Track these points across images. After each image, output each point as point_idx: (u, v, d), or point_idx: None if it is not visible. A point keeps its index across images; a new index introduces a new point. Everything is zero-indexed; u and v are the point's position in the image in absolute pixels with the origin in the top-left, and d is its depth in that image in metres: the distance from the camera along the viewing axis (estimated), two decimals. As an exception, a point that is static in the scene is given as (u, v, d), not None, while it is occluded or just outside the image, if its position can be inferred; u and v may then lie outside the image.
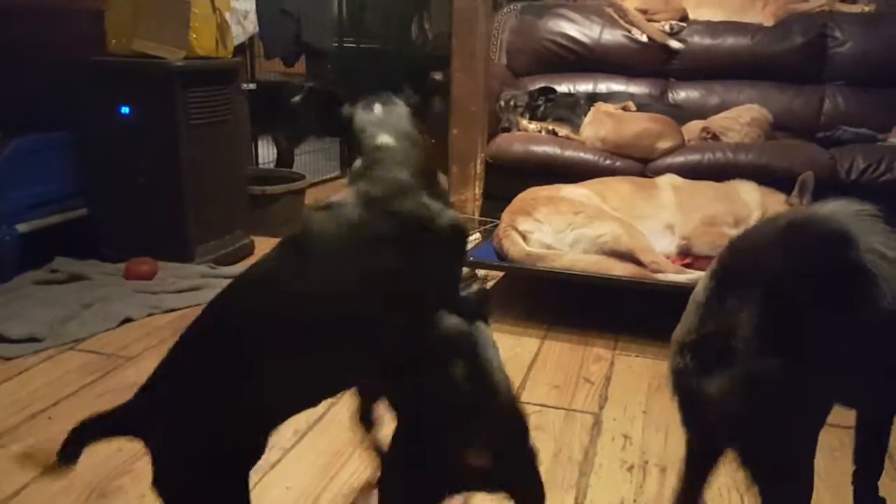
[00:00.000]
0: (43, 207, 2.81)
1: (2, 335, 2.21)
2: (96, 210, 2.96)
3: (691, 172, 2.74)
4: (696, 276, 2.31)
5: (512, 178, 2.90)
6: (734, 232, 2.48)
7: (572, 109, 3.31)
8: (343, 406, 1.94)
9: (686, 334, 1.16)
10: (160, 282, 2.71)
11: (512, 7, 3.95)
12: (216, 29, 3.00)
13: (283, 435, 1.78)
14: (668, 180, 2.68)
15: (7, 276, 2.65)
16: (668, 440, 1.83)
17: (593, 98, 3.38)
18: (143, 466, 1.63)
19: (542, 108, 3.37)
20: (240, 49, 3.53)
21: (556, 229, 2.49)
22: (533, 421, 1.87)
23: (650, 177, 2.79)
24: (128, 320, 2.42)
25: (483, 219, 3.06)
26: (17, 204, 2.71)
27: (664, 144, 2.95)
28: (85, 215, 2.95)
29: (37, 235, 2.77)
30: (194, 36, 2.86)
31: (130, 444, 1.67)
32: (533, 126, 3.25)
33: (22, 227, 2.71)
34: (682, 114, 3.30)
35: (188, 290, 2.65)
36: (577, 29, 3.74)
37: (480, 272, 2.89)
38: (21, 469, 1.60)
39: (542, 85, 3.49)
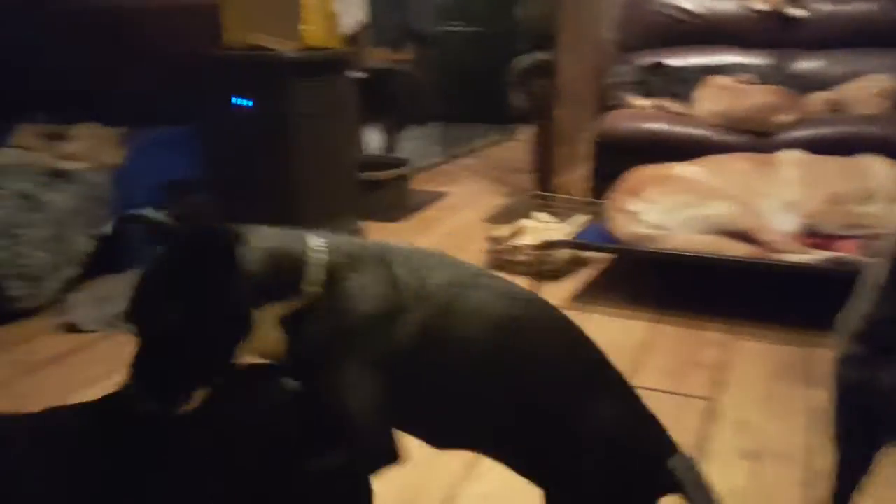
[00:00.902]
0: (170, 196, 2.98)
1: (133, 316, 2.36)
2: (216, 198, 3.11)
3: (814, 147, 2.59)
4: (822, 257, 2.19)
5: (621, 157, 2.83)
6: (863, 210, 2.34)
7: (685, 84, 3.19)
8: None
9: (859, 321, 1.09)
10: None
11: (622, -19, 3.83)
12: (326, 19, 3.08)
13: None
14: (788, 156, 2.54)
15: (136, 260, 2.83)
16: (789, 428, 1.74)
17: (707, 71, 3.24)
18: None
19: (653, 84, 3.27)
20: (349, 38, 3.60)
21: (667, 209, 2.42)
22: (648, 404, 1.85)
23: (769, 152, 2.65)
24: (247, 302, 2.54)
25: (590, 200, 3.01)
26: (147, 193, 2.88)
27: (784, 118, 2.80)
28: (207, 203, 3.10)
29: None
30: (305, 27, 2.94)
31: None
32: (643, 102, 3.16)
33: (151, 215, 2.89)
34: (803, 85, 3.11)
35: (303, 273, 2.75)
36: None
37: (588, 254, 2.85)
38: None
39: (653, 60, 3.39)
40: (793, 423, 1.78)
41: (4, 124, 3.12)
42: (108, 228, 2.73)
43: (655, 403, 1.85)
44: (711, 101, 2.96)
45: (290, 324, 0.93)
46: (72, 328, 2.34)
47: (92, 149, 3.02)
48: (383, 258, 0.98)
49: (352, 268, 0.96)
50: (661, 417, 1.80)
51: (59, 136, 3.08)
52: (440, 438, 1.05)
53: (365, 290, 0.94)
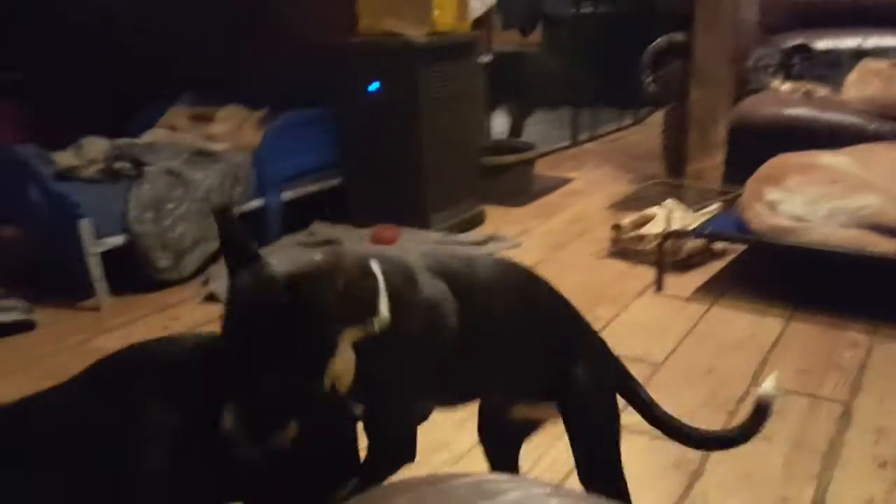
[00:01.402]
0: (303, 177, 3.11)
1: (268, 289, 2.49)
2: (348, 180, 3.22)
3: (981, 136, 2.36)
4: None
5: (759, 144, 2.69)
6: None
7: (833, 68, 2.99)
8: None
9: None
10: (401, 247, 2.89)
11: (766, -42, 3.62)
12: (457, 4, 3.10)
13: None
14: (950, 146, 2.33)
15: (272, 238, 2.98)
16: (934, 440, 1.61)
17: (859, 55, 3.02)
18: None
19: (797, 67, 3.10)
20: (478, 22, 3.61)
21: (809, 200, 2.27)
22: (775, 406, 1.76)
23: (928, 142, 2.44)
24: (372, 281, 2.62)
25: (723, 188, 2.88)
26: (282, 174, 3.03)
27: (947, 105, 2.56)
28: (339, 184, 3.22)
29: (298, 202, 3.08)
30: (437, 12, 2.97)
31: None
32: (787, 86, 2.99)
33: (285, 195, 3.03)
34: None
35: (425, 254, 2.80)
36: (844, -23, 3.34)
37: (718, 245, 2.73)
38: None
39: (799, 42, 3.19)
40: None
41: (157, 106, 3.36)
42: (247, 205, 2.89)
43: (786, 404, 1.77)
44: (863, 85, 2.75)
45: (360, 348, 0.93)
46: (212, 297, 2.50)
47: (234, 130, 3.19)
48: (436, 268, 1.01)
49: (410, 289, 0.97)
50: (791, 419, 1.72)
51: (205, 118, 3.28)
52: (460, 399, 1.12)
53: (423, 316, 0.97)
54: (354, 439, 1.01)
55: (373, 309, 0.92)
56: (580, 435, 1.15)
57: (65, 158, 2.74)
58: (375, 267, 0.95)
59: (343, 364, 0.91)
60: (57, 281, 2.58)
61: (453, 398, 1.11)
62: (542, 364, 1.12)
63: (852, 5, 3.32)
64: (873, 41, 3.23)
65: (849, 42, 3.27)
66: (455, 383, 1.06)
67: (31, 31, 3.38)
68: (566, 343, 1.15)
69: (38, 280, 2.64)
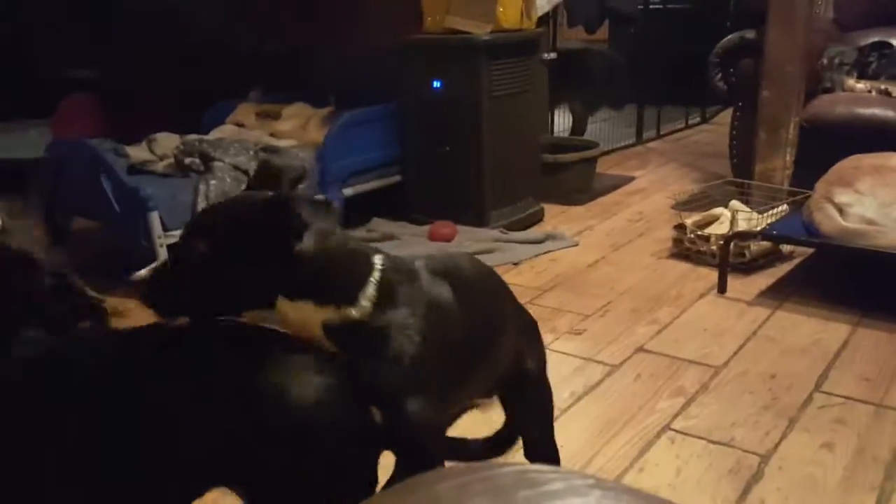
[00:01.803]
0: (364, 174, 3.15)
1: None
2: (408, 176, 3.24)
3: None
4: None
5: (831, 145, 2.60)
6: None
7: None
8: (620, 376, 1.94)
9: None
10: (458, 244, 2.91)
11: (845, -48, 3.50)
12: (522, 1, 3.09)
13: (560, 396, 1.82)
14: None
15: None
16: None
17: (943, 52, 2.89)
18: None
19: (874, 66, 3.00)
20: (542, 19, 3.59)
21: (883, 203, 2.19)
22: (835, 413, 1.71)
23: None
24: (429, 277, 2.63)
25: (792, 189, 2.80)
26: (344, 170, 3.07)
27: None
28: (398, 181, 3.25)
29: (358, 198, 3.12)
30: (501, 9, 2.97)
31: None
32: (862, 85, 2.89)
33: (347, 191, 3.08)
34: None
35: (482, 252, 2.80)
36: (928, -30, 3.21)
37: (785, 248, 2.66)
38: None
39: (876, 39, 3.07)
40: None
41: (226, 103, 3.46)
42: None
43: (849, 412, 1.71)
44: (946, 84, 2.63)
45: (338, 334, 0.92)
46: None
47: (300, 127, 3.26)
48: (438, 270, 1.02)
49: (413, 289, 0.97)
50: (854, 427, 1.66)
51: (272, 115, 3.36)
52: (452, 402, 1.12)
53: (427, 316, 0.96)
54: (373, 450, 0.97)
55: (353, 293, 0.92)
56: (534, 419, 1.25)
57: (138, 153, 2.84)
58: (377, 260, 0.96)
59: (302, 330, 0.93)
60: (128, 272, 2.68)
61: (450, 401, 1.09)
62: (508, 357, 1.15)
63: (935, 0, 3.19)
64: (957, 38, 3.09)
65: (931, 39, 3.14)
66: (454, 386, 1.05)
67: (108, 29, 3.52)
68: (523, 334, 1.19)
69: (112, 271, 2.75)
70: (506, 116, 3.04)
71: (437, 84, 3.04)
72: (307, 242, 0.91)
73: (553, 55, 3.48)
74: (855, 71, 2.96)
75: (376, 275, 0.94)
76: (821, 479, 1.49)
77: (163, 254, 2.50)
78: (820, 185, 2.34)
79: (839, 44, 3.15)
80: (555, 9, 4.04)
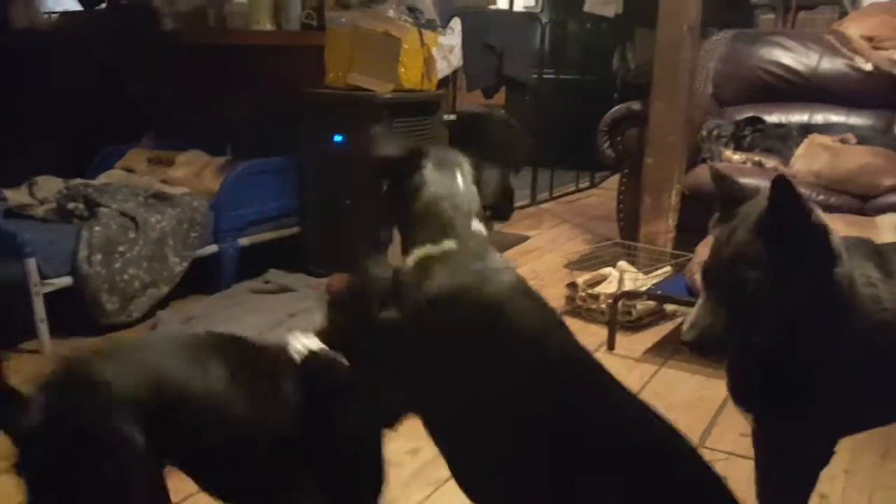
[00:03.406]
0: (262, 224, 3.10)
1: (219, 336, 2.45)
2: (307, 228, 3.21)
3: (920, 212, 2.47)
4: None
5: (710, 211, 2.76)
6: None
7: (783, 141, 3.11)
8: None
9: None
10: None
11: (722, 35, 3.80)
12: (423, 63, 3.17)
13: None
14: (891, 220, 2.43)
15: (227, 283, 2.95)
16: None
17: (808, 129, 3.16)
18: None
19: (748, 139, 3.21)
20: (443, 81, 3.69)
21: (756, 267, 2.34)
22: (719, 469, 1.77)
23: (870, 216, 2.54)
24: (326, 331, 2.59)
25: (675, 252, 2.95)
26: (241, 220, 3.01)
27: (888, 181, 2.69)
28: (297, 232, 3.21)
29: (255, 248, 3.06)
30: (403, 70, 3.03)
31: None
32: (737, 157, 3.09)
33: (243, 241, 3.01)
34: (910, 148, 2.98)
35: (381, 307, 2.79)
36: (793, 57, 3.52)
37: (669, 307, 2.78)
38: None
39: (750, 115, 3.32)
40: (877, 499, 1.67)
41: (116, 148, 3.34)
42: (202, 251, 2.86)
43: (731, 467, 1.78)
44: (810, 159, 2.87)
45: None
46: (159, 343, 2.44)
47: (194, 175, 3.18)
48: None
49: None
50: (737, 483, 1.72)
51: (165, 161, 3.26)
52: None
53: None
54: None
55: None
56: None
57: (16, 196, 2.69)
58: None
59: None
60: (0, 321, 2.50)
61: None
62: None
63: (800, 84, 3.49)
64: (820, 117, 3.38)
65: (797, 117, 3.42)
66: None
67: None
68: None
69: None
70: (406, 173, 3.07)
71: (338, 138, 3.05)
72: None
73: (453, 117, 3.57)
74: (731, 143, 3.18)
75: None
76: (706, 533, 1.53)
77: (39, 303, 2.35)
78: (700, 249, 2.48)
79: (717, 118, 3.39)
80: (454, 73, 4.16)
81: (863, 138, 3.04)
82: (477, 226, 1.17)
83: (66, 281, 2.45)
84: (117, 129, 3.38)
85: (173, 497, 1.57)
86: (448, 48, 3.86)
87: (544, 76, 5.00)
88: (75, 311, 2.48)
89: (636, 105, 3.24)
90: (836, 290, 1.13)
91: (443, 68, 3.61)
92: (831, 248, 1.13)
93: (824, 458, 1.28)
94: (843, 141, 2.98)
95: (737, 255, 1.09)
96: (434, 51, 3.28)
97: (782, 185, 1.04)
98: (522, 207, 4.80)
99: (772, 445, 1.29)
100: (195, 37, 3.52)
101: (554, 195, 5.14)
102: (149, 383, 1.07)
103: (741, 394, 1.29)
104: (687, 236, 2.86)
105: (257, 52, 3.36)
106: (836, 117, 3.37)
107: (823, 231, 1.11)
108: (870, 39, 3.36)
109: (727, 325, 1.09)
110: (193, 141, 3.35)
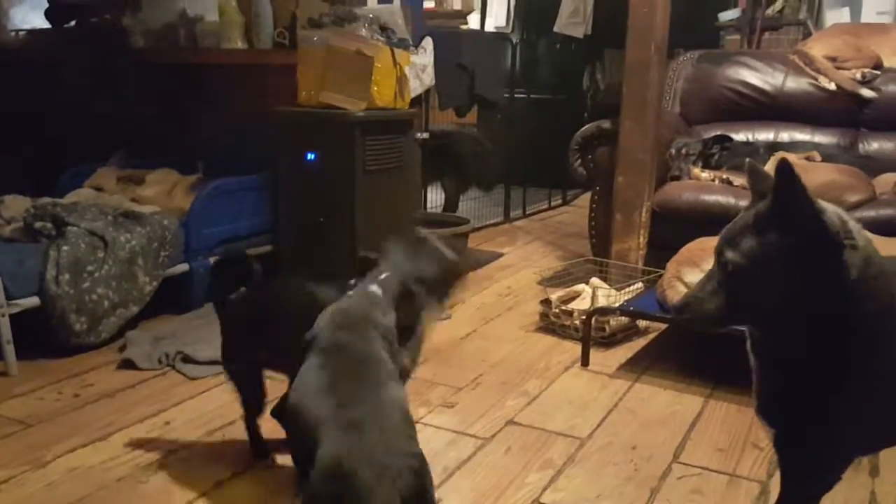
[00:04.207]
0: (234, 243, 3.07)
1: (190, 357, 2.42)
2: (280, 246, 3.19)
3: (883, 228, 2.51)
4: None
5: (679, 228, 2.80)
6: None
7: (750, 159, 3.16)
8: (492, 449, 1.94)
9: None
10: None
11: (689, 55, 3.87)
12: (396, 82, 3.17)
13: (433, 470, 1.80)
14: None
15: (198, 303, 2.91)
16: (846, 518, 1.66)
17: (774, 147, 3.22)
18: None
19: (716, 157, 3.26)
20: (416, 100, 3.70)
21: (727, 283, 2.36)
22: (693, 484, 1.79)
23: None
24: (299, 350, 2.57)
25: (646, 268, 2.98)
26: (212, 238, 2.98)
27: (852, 197, 2.74)
28: (270, 251, 3.18)
29: (226, 268, 3.02)
30: (375, 88, 3.03)
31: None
32: (706, 175, 3.14)
33: (214, 260, 2.98)
34: (873, 166, 3.06)
35: (355, 325, 2.78)
36: (759, 77, 3.59)
37: (641, 323, 2.80)
38: (192, 483, 1.74)
39: (718, 133, 3.38)
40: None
41: (86, 166, 3.30)
42: (173, 270, 2.82)
43: (705, 482, 1.79)
44: (776, 176, 2.92)
45: None
46: (128, 364, 2.41)
47: (164, 193, 3.15)
48: None
49: None
50: (711, 498, 1.74)
51: (135, 180, 3.23)
52: None
53: None
54: None
55: None
56: None
57: (-18, 215, 2.64)
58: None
59: None
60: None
61: None
62: None
63: (767, 103, 3.56)
64: (786, 135, 3.45)
65: (764, 135, 3.49)
66: None
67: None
68: None
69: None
70: (380, 191, 3.07)
71: (311, 156, 3.04)
72: None
73: (426, 135, 3.58)
74: (700, 161, 3.23)
75: None
76: (681, 547, 1.54)
77: (5, 324, 2.30)
78: (670, 266, 2.51)
79: (686, 136, 3.45)
80: (427, 92, 4.18)
81: (828, 156, 3.11)
82: None
83: (34, 301, 2.40)
84: (86, 148, 3.33)
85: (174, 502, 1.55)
86: (420, 67, 3.88)
87: (516, 96, 5.04)
88: (43, 332, 2.43)
89: (606, 124, 3.28)
90: (849, 282, 1.08)
91: (415, 87, 3.63)
92: (835, 236, 1.08)
93: (835, 476, 1.26)
94: (809, 158, 3.04)
95: (725, 236, 1.11)
96: (406, 69, 3.29)
97: (786, 168, 1.04)
98: (496, 225, 4.83)
99: (792, 460, 1.28)
100: (166, 55, 3.50)
101: (527, 212, 5.17)
102: None
103: (765, 407, 1.27)
104: (658, 253, 2.89)
105: (229, 70, 3.34)
106: (801, 135, 3.44)
107: (829, 219, 1.08)
108: (833, 59, 3.45)
109: (716, 302, 1.10)
110: (164, 159, 3.32)
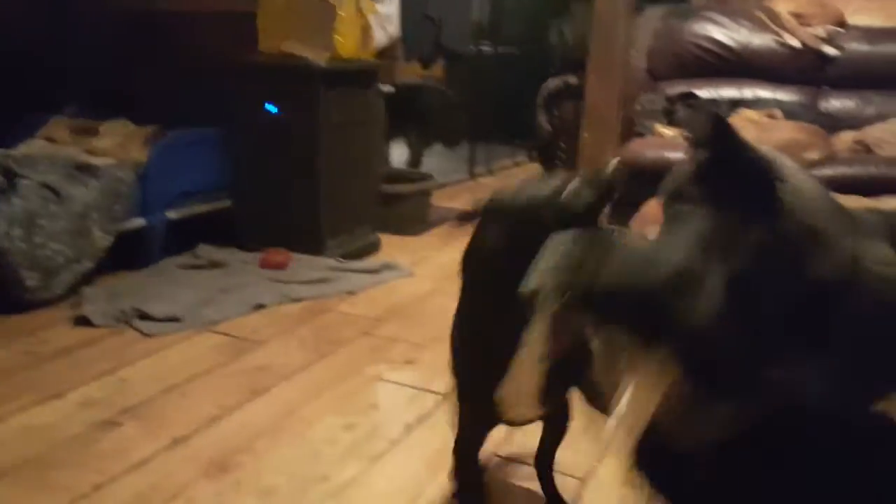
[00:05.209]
0: (191, 197, 3.01)
1: (146, 313, 2.38)
2: (238, 202, 3.13)
3: (840, 187, 2.51)
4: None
5: (644, 185, 2.80)
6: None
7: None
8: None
9: None
10: (292, 272, 2.83)
11: (656, 10, 3.83)
12: (360, 32, 3.10)
13: (393, 427, 1.81)
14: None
15: (155, 258, 2.86)
16: None
17: (737, 104, 3.22)
18: (264, 445, 1.71)
19: (680, 114, 3.25)
20: (381, 52, 3.63)
21: (688, 240, 2.38)
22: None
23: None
24: (260, 307, 2.54)
25: (612, 225, 2.99)
26: (168, 192, 2.91)
27: (811, 155, 2.76)
28: (228, 206, 3.13)
29: (184, 223, 2.97)
30: (339, 38, 2.96)
31: (254, 420, 1.76)
32: (669, 131, 3.14)
33: (171, 214, 2.92)
34: (833, 124, 3.08)
35: (317, 281, 2.76)
36: (725, 33, 3.58)
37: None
38: (148, 440, 1.72)
39: (683, 90, 3.37)
40: None
41: (38, 117, 3.18)
42: (129, 224, 2.76)
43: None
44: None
45: None
46: (83, 321, 2.36)
47: (119, 145, 3.06)
48: None
49: None
50: None
51: (89, 131, 3.12)
52: None
53: None
54: None
55: None
56: None
57: (-74, 166, 2.54)
58: None
59: None
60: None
61: None
62: None
63: (731, 60, 3.55)
64: (750, 92, 3.45)
65: (728, 92, 3.49)
66: None
67: None
68: None
69: None
70: (343, 144, 3.03)
71: (271, 108, 2.97)
72: None
73: (391, 88, 3.52)
74: (665, 118, 3.23)
75: None
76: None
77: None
78: (633, 222, 2.52)
79: (651, 93, 3.43)
80: (393, 43, 4.10)
81: (789, 113, 3.12)
82: None
83: (-17, 256, 2.33)
84: (38, 98, 3.21)
85: (170, 490, 1.53)
86: (385, 17, 3.81)
87: (482, 50, 4.98)
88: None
89: (572, 79, 3.26)
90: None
91: (380, 38, 3.56)
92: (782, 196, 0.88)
93: None
94: (771, 116, 3.06)
95: (669, 188, 1.01)
96: (371, 18, 3.22)
97: (716, 120, 0.89)
98: (461, 181, 4.80)
99: None
100: (121, 2, 3.37)
101: (491, 169, 5.15)
102: None
103: None
104: (622, 210, 2.89)
105: (187, 18, 3.23)
106: (764, 92, 3.44)
107: (773, 171, 0.90)
108: (798, 16, 3.44)
109: None
110: (119, 110, 3.21)
